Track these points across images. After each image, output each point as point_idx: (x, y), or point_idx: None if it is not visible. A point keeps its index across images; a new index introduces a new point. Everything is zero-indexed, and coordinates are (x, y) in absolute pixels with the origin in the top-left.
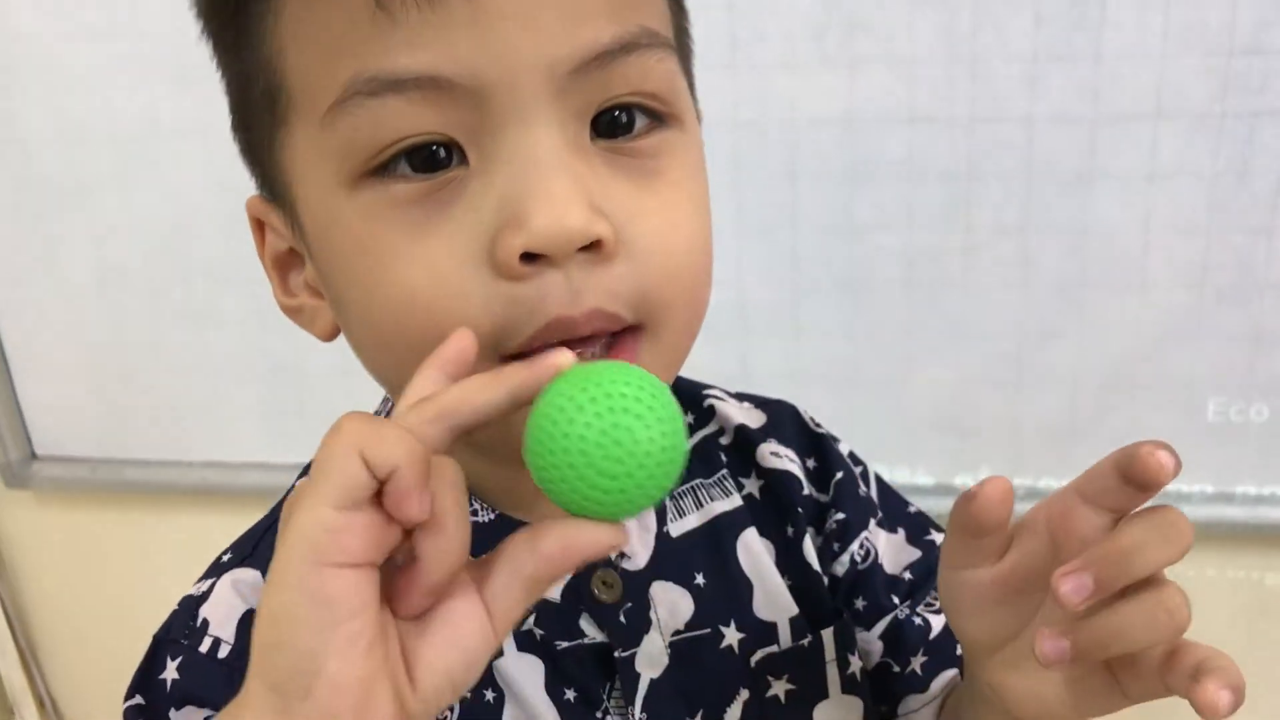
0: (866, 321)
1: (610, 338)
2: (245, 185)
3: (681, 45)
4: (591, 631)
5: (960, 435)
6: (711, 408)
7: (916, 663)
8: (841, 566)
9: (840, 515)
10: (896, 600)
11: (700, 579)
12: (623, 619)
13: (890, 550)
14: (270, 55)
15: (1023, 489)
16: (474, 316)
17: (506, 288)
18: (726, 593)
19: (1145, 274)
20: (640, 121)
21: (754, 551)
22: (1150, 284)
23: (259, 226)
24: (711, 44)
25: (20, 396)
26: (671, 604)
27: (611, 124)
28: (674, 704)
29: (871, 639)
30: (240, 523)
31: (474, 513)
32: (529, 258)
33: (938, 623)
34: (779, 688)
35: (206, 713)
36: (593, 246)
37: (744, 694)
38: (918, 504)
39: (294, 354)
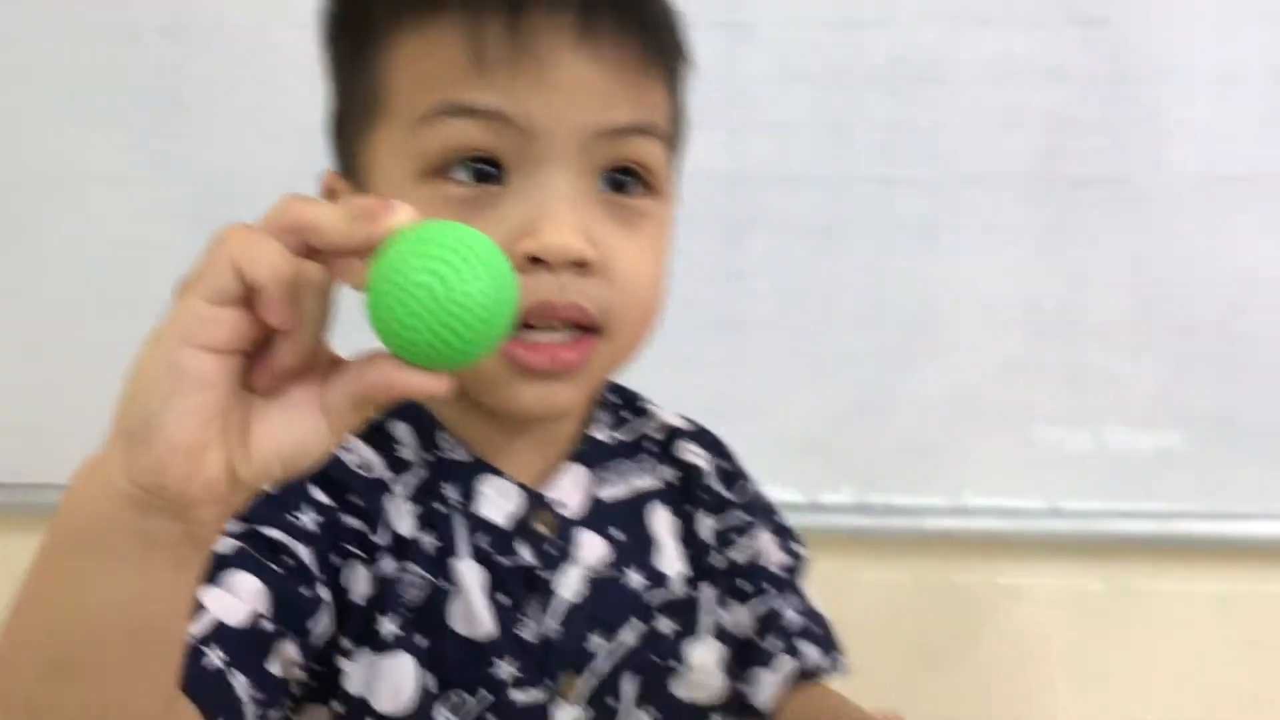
0: (745, 356)
1: (576, 331)
2: (171, 227)
3: (677, 143)
4: (527, 556)
5: (826, 457)
6: (646, 410)
7: (770, 644)
8: (738, 553)
9: (744, 515)
10: (769, 589)
11: (617, 533)
12: (552, 550)
13: (771, 550)
14: (380, 72)
15: (880, 505)
16: None
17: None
18: (636, 547)
19: (984, 315)
20: (635, 186)
21: (663, 522)
22: (987, 324)
23: (329, 194)
24: None
25: None
26: (592, 548)
27: (615, 182)
28: (581, 621)
29: (745, 614)
30: None
31: (454, 450)
32: (534, 261)
33: (794, 621)
34: (664, 624)
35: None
36: (581, 265)
37: (636, 624)
38: (790, 517)
39: None
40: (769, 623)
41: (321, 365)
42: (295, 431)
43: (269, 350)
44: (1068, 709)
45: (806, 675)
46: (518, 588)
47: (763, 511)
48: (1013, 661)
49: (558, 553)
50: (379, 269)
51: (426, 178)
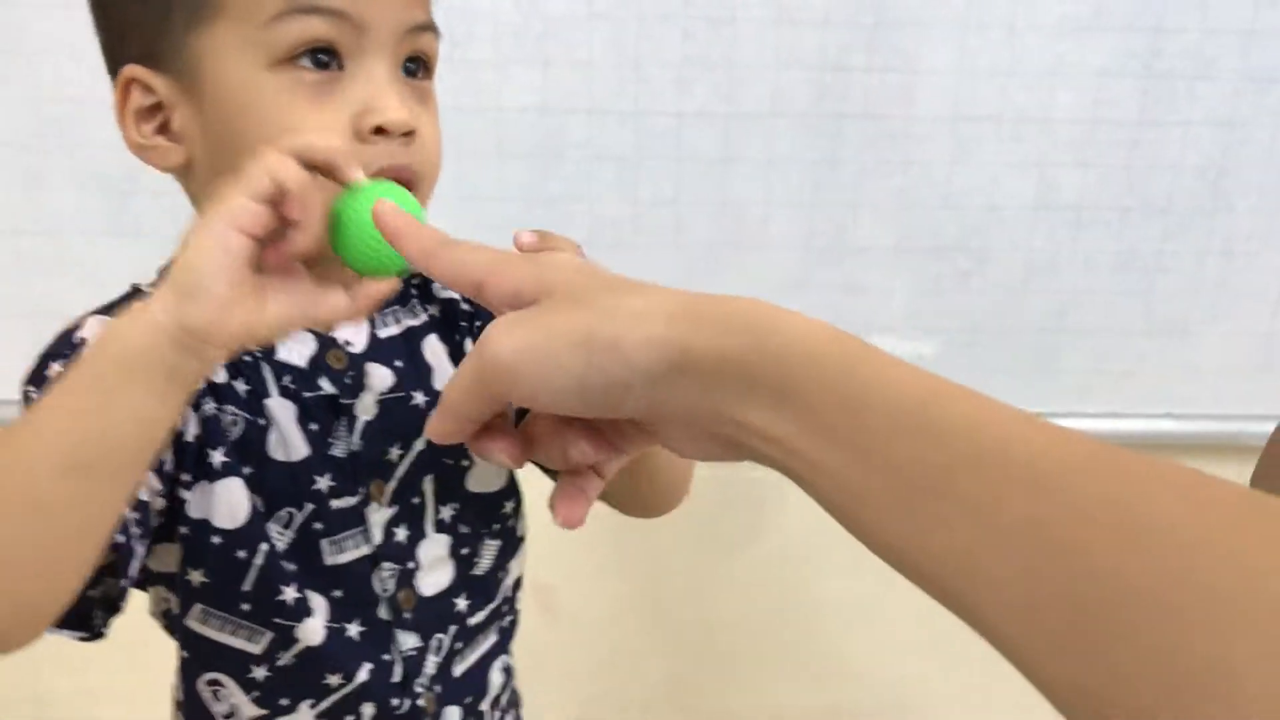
0: None
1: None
2: None
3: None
4: (327, 387)
5: None
6: None
7: None
8: None
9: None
10: None
11: (399, 363)
12: (348, 380)
13: None
14: None
15: None
16: None
17: (359, 148)
18: (416, 373)
19: (767, 238)
20: (422, 71)
21: (435, 349)
22: (771, 246)
23: (129, 85)
24: None
25: None
26: (380, 376)
27: (411, 69)
28: (380, 437)
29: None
30: None
31: None
32: (377, 131)
33: None
34: None
35: None
36: (409, 134)
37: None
38: None
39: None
40: None
41: (307, 272)
42: (294, 306)
43: (276, 244)
44: (846, 587)
45: None
46: (324, 414)
47: None
48: (799, 546)
49: (352, 382)
50: (349, 211)
51: (277, 66)
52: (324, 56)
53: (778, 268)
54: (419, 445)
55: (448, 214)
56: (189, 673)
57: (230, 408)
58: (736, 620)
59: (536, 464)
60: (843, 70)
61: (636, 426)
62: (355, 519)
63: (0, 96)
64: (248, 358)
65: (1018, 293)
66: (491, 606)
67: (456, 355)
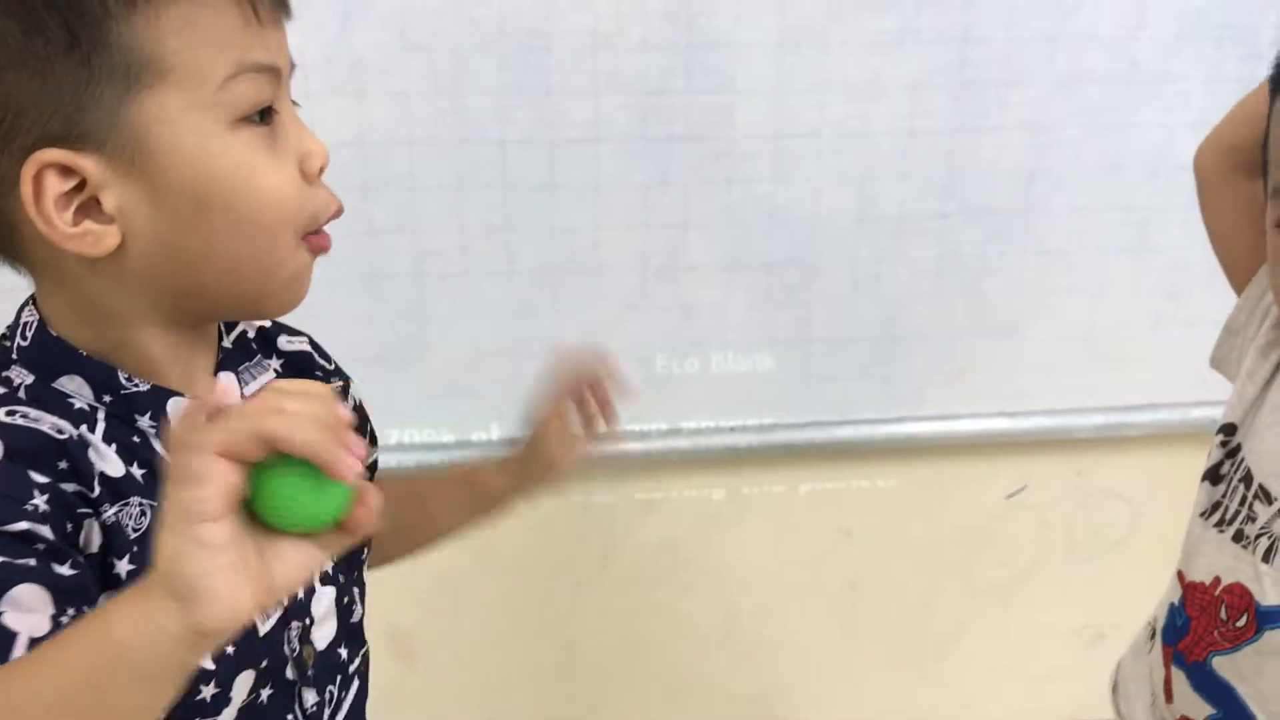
0: (386, 309)
1: None
2: None
3: None
4: None
5: (472, 399)
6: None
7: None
8: (352, 402)
9: (341, 377)
10: (370, 426)
11: None
12: None
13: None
14: (143, 43)
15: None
16: (303, 204)
17: (310, 190)
18: None
19: (601, 261)
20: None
21: None
22: (605, 269)
23: (38, 177)
24: None
25: None
26: None
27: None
28: None
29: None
30: None
31: (136, 384)
32: (319, 172)
33: None
34: None
35: None
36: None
37: None
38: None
39: None
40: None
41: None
42: (300, 556)
43: None
44: (701, 605)
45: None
46: None
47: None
48: (652, 567)
49: None
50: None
51: (235, 126)
52: (266, 110)
53: (612, 291)
54: None
55: None
56: None
57: (134, 499)
58: (597, 645)
59: None
60: (663, 93)
61: None
62: None
63: None
64: (136, 439)
65: (846, 302)
66: (361, 652)
67: None
